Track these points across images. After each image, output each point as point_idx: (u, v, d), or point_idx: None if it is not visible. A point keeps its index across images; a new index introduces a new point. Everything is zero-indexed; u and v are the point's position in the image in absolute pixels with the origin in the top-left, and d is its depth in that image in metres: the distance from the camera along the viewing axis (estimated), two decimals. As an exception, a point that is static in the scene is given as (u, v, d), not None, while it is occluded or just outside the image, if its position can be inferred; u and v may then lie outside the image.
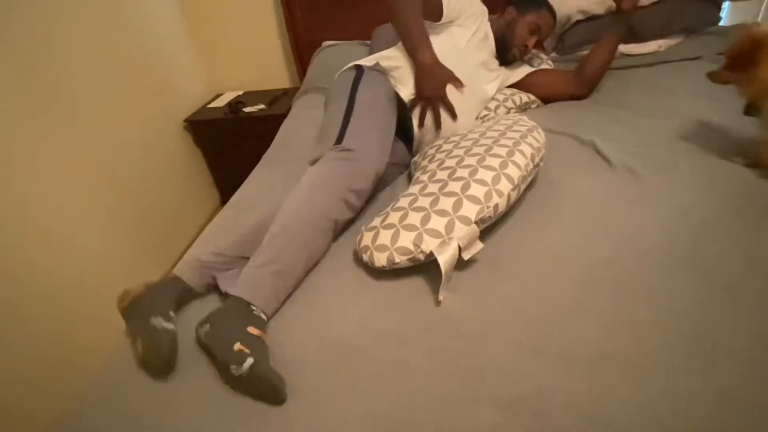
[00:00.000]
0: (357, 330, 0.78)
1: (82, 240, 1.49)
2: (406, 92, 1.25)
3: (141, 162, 1.83)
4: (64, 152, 1.47)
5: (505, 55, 1.45)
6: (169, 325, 0.76)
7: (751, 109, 0.99)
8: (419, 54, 1.21)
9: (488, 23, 1.44)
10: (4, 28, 1.29)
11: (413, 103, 1.25)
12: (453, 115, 1.22)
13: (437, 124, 1.23)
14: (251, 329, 0.74)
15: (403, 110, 1.25)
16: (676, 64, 1.62)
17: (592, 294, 0.77)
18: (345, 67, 1.33)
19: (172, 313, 0.79)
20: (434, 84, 1.20)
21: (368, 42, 1.92)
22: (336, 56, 1.90)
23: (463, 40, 1.34)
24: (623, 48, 1.70)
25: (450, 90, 1.23)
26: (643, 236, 0.88)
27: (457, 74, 1.25)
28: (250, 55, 2.29)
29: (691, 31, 1.72)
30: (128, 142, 1.76)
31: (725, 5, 1.83)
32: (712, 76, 1.03)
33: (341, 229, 1.02)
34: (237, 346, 0.69)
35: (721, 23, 1.79)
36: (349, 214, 1.01)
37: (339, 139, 1.06)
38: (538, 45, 1.51)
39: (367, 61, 1.31)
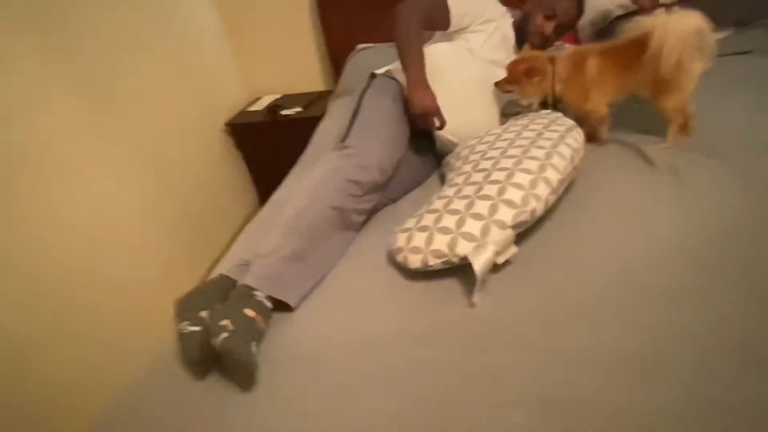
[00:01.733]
0: (389, 329, 0.80)
1: (124, 236, 1.57)
2: None
3: (183, 164, 1.91)
4: (114, 152, 1.56)
5: (524, 45, 1.44)
6: (194, 328, 0.79)
7: (545, 105, 1.26)
8: (408, 71, 1.22)
9: (509, 23, 1.45)
10: (64, 36, 1.38)
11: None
12: (441, 124, 1.19)
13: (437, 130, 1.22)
14: (247, 311, 0.79)
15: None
16: (725, 58, 1.54)
17: (625, 296, 0.76)
18: (365, 78, 1.39)
19: (203, 314, 0.81)
20: (422, 100, 1.17)
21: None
22: (369, 59, 1.92)
23: (478, 44, 1.36)
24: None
25: (461, 91, 1.26)
26: (682, 237, 0.86)
27: (471, 78, 1.30)
28: (288, 59, 2.36)
29: (742, 24, 1.64)
30: (171, 145, 1.85)
31: (780, -5, 1.73)
32: (497, 86, 1.28)
33: (359, 221, 1.06)
34: (224, 321, 0.75)
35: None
36: (356, 204, 1.03)
37: (342, 141, 1.13)
38: (569, 38, 1.48)
39: (380, 70, 1.38)
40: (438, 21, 1.35)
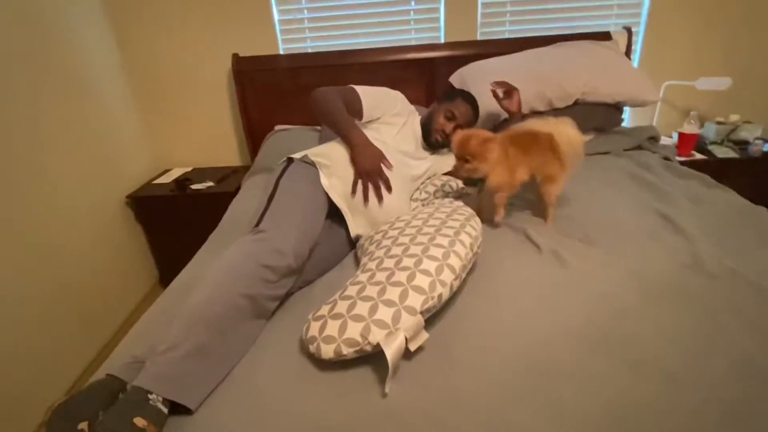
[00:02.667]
0: (301, 425, 0.76)
1: (4, 312, 1.36)
2: (326, 182, 1.32)
3: (77, 235, 1.74)
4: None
5: (428, 140, 1.62)
6: None
7: (467, 182, 1.35)
8: (351, 136, 1.35)
9: (417, 120, 1.65)
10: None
11: (353, 184, 1.33)
12: (388, 188, 1.32)
13: (378, 197, 1.31)
14: (138, 420, 0.71)
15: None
16: (589, 157, 1.86)
17: (528, 378, 0.82)
18: (281, 161, 1.43)
19: (81, 426, 0.72)
20: (370, 160, 1.32)
21: (318, 128, 2.04)
22: (287, 140, 1.99)
23: (390, 135, 1.50)
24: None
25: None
26: (569, 319, 0.95)
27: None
28: (201, 133, 2.34)
29: (600, 130, 2.00)
30: (65, 215, 1.69)
31: (626, 110, 2.16)
32: (451, 173, 1.35)
33: (272, 308, 1.03)
34: None
35: (623, 124, 2.10)
36: (269, 290, 0.99)
37: (256, 225, 1.12)
38: None
39: (297, 154, 1.43)
40: (351, 110, 1.47)
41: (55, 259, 1.62)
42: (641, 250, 1.19)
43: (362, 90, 1.52)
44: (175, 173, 2.25)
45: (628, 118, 2.32)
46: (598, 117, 1.94)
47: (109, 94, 2.02)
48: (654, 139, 2.00)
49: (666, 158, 1.85)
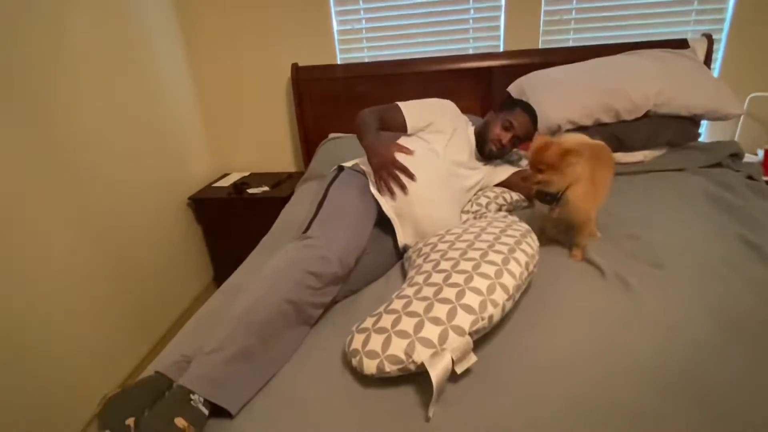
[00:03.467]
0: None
1: (69, 302, 1.46)
2: (375, 190, 1.33)
3: (140, 232, 1.84)
4: (65, 212, 1.49)
5: (483, 150, 1.56)
6: None
7: (540, 197, 1.20)
8: (363, 140, 1.37)
9: (471, 129, 1.60)
10: (33, 102, 1.37)
11: (376, 183, 1.33)
12: (409, 175, 1.29)
13: (399, 185, 1.28)
14: (178, 420, 0.72)
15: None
16: (661, 173, 1.72)
17: (580, 416, 0.74)
18: (332, 169, 1.45)
19: (129, 422, 0.74)
20: (378, 153, 1.32)
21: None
22: (339, 148, 2.00)
23: (439, 144, 1.47)
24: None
25: (424, 187, 1.31)
26: (634, 356, 0.86)
27: (434, 176, 1.36)
28: (259, 139, 2.42)
29: (673, 145, 1.85)
30: (130, 213, 1.79)
31: (703, 124, 1.98)
32: (525, 180, 1.19)
33: (315, 315, 1.02)
34: None
35: (700, 139, 1.93)
36: (314, 297, 0.99)
37: (305, 231, 1.14)
38: (522, 145, 1.62)
39: (348, 163, 1.45)
40: (395, 124, 1.49)
41: (120, 255, 1.73)
42: (720, 280, 1.06)
43: (405, 104, 1.52)
44: (234, 177, 2.34)
45: (706, 132, 2.12)
46: (671, 131, 1.79)
47: (176, 99, 2.14)
48: (736, 156, 1.81)
49: (750, 177, 1.66)
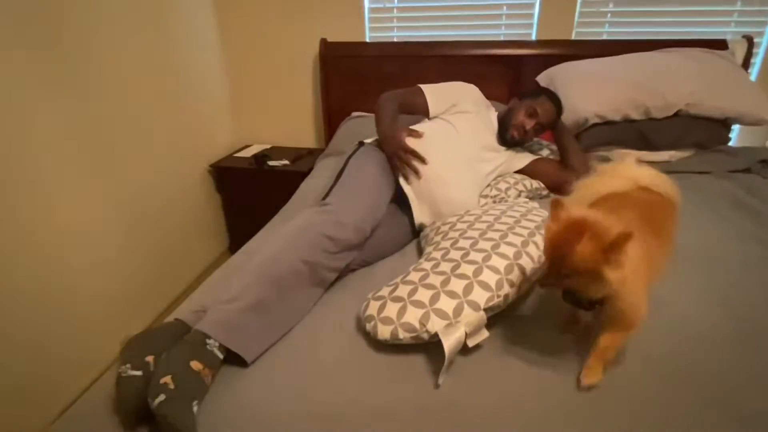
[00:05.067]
0: (348, 399, 0.76)
1: (80, 257, 1.50)
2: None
3: (162, 195, 1.88)
4: (96, 172, 1.54)
5: (505, 136, 1.54)
6: (136, 372, 0.74)
7: (568, 297, 0.78)
8: (378, 128, 1.41)
9: (494, 114, 1.61)
10: (65, 61, 1.40)
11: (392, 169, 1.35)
12: (420, 159, 1.31)
13: (413, 170, 1.30)
14: (194, 363, 0.74)
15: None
16: (687, 175, 1.69)
17: (586, 397, 0.75)
18: (353, 144, 1.48)
19: (148, 359, 0.77)
20: (390, 140, 1.34)
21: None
22: (361, 126, 2.00)
23: (461, 126, 1.47)
24: (637, 154, 1.78)
25: (444, 168, 1.32)
26: (645, 345, 0.86)
27: (455, 157, 1.37)
28: (283, 113, 2.43)
29: (702, 147, 1.81)
30: (153, 175, 1.83)
31: (734, 128, 1.93)
32: (543, 285, 0.78)
33: (329, 278, 1.04)
34: (165, 379, 0.70)
35: (730, 143, 1.89)
36: (329, 260, 1.01)
37: (323, 199, 1.18)
38: (545, 135, 1.60)
39: (369, 139, 1.48)
40: (417, 107, 1.52)
41: (143, 215, 1.77)
42: (734, 279, 1.05)
43: (427, 87, 1.54)
44: (255, 149, 2.36)
45: (736, 136, 2.08)
46: (701, 132, 1.76)
47: (204, 68, 2.15)
48: (766, 162, 1.77)
49: (780, 185, 1.62)
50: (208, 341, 0.79)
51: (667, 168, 1.70)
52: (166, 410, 0.66)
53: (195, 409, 0.70)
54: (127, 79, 1.65)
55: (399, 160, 1.31)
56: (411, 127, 1.43)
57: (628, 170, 0.90)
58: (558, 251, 0.69)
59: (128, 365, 0.74)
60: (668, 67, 1.76)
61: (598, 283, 0.68)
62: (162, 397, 0.67)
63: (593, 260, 0.65)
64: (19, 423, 1.28)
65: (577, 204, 0.75)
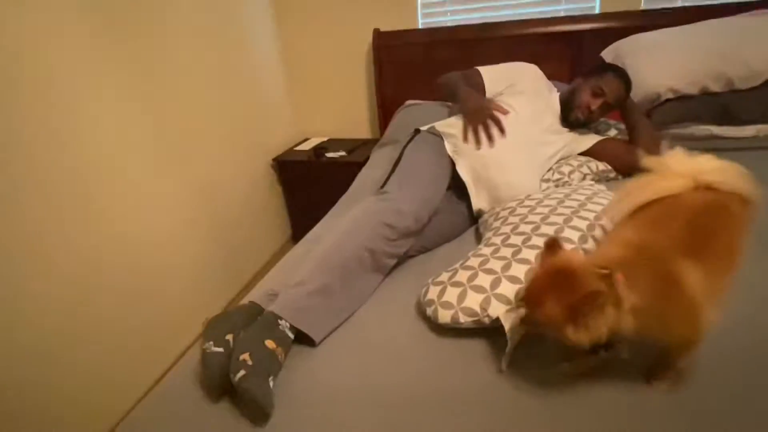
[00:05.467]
0: (411, 384, 0.78)
1: (161, 249, 1.64)
2: (451, 148, 1.35)
3: (228, 189, 2.01)
4: (170, 169, 1.66)
5: (568, 117, 1.47)
6: (218, 349, 0.80)
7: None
8: (460, 92, 1.40)
9: (556, 95, 1.54)
10: (138, 54, 1.52)
11: (464, 132, 1.34)
12: (501, 129, 1.30)
13: (488, 136, 1.29)
14: (268, 342, 0.80)
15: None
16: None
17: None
18: (409, 133, 1.49)
19: (228, 337, 0.83)
20: (476, 101, 1.34)
21: (449, 104, 2.02)
22: (416, 114, 2.00)
23: (521, 106, 1.42)
24: (717, 130, 1.64)
25: (503, 150, 1.30)
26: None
27: (513, 136, 1.33)
28: (339, 105, 2.49)
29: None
30: (222, 170, 1.95)
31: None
32: (522, 322, 0.73)
33: (390, 264, 1.07)
34: (243, 355, 0.75)
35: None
36: (389, 247, 1.04)
37: (381, 187, 1.20)
38: (612, 113, 1.51)
39: (425, 126, 1.47)
40: (474, 87, 1.49)
41: (212, 208, 1.90)
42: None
43: (484, 68, 1.53)
44: (313, 142, 2.44)
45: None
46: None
47: (264, 67, 2.25)
48: None
49: None
50: (279, 321, 0.85)
51: (753, 143, 1.58)
52: (247, 384, 0.72)
53: (271, 384, 0.76)
54: (194, 81, 1.77)
55: (479, 122, 1.31)
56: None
57: (682, 165, 0.75)
58: (530, 300, 0.67)
59: (211, 342, 0.82)
60: (752, 31, 1.59)
61: (567, 339, 0.63)
62: (242, 372, 0.73)
63: (556, 319, 0.62)
64: (113, 395, 1.44)
65: (617, 216, 0.71)
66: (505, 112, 1.34)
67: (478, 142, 1.30)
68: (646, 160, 0.78)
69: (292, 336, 0.86)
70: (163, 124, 1.62)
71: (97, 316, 1.37)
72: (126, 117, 1.47)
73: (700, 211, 0.69)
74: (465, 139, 1.32)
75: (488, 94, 1.49)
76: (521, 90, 1.47)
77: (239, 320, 0.88)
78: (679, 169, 0.75)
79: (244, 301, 0.99)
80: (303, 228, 1.55)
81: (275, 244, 2.40)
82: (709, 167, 0.73)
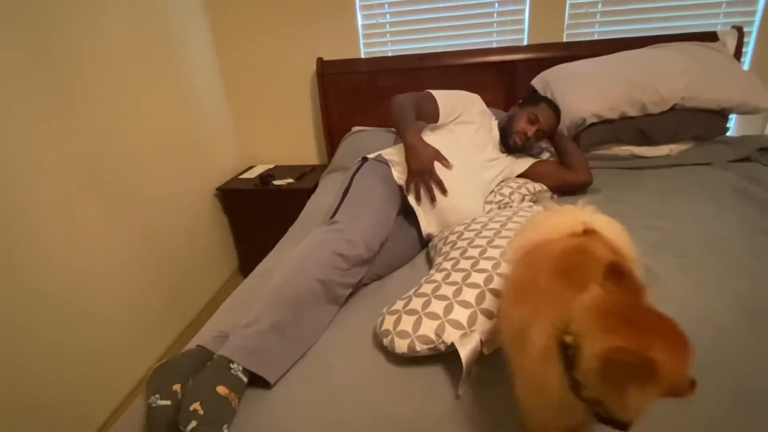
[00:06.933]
0: (372, 416, 0.77)
1: (98, 288, 1.52)
2: (398, 175, 1.38)
3: (171, 220, 1.91)
4: (102, 202, 1.56)
5: (507, 142, 1.58)
6: (165, 402, 0.76)
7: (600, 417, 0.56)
8: (406, 135, 1.37)
9: (494, 122, 1.65)
10: (58, 84, 1.42)
11: (407, 184, 1.35)
12: (442, 190, 1.31)
13: (430, 197, 1.30)
14: (220, 388, 0.76)
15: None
16: (687, 167, 1.71)
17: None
18: (356, 160, 1.51)
19: (175, 387, 0.79)
20: (419, 159, 1.31)
21: (394, 129, 2.07)
22: (363, 141, 2.04)
23: (467, 135, 1.50)
24: (636, 150, 1.81)
25: (447, 174, 1.33)
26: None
27: (460, 163, 1.37)
28: (284, 132, 2.47)
29: (700, 139, 1.83)
30: (162, 202, 1.86)
31: (732, 117, 1.95)
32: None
33: (343, 295, 1.06)
34: (194, 405, 0.72)
35: (728, 133, 1.90)
36: (341, 277, 1.03)
37: (331, 217, 1.20)
38: (545, 139, 1.63)
39: (372, 154, 1.50)
40: (428, 113, 1.52)
41: (152, 241, 1.80)
42: (746, 271, 1.07)
43: (438, 93, 1.55)
44: (259, 169, 2.40)
45: (734, 126, 2.09)
46: (699, 124, 1.77)
47: (205, 94, 2.20)
48: (766, 150, 1.78)
49: (780, 172, 1.64)
50: (231, 366, 0.81)
51: (668, 161, 1.75)
52: None
53: None
54: (129, 108, 1.69)
55: (421, 183, 1.31)
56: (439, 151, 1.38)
57: (578, 211, 0.75)
58: (629, 338, 0.53)
59: (157, 395, 0.76)
60: (661, 62, 1.79)
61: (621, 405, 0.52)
62: (193, 423, 0.69)
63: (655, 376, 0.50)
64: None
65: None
66: (449, 167, 1.34)
67: (418, 199, 1.32)
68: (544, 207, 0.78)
69: (245, 379, 0.82)
70: (94, 154, 1.52)
71: (19, 375, 1.24)
72: (50, 147, 1.37)
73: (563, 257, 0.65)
74: (407, 192, 1.34)
75: (441, 120, 1.53)
76: (467, 120, 1.55)
77: (187, 367, 0.83)
78: (570, 211, 0.75)
79: (191, 345, 0.93)
80: (250, 259, 1.51)
81: (221, 277, 2.30)
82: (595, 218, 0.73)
